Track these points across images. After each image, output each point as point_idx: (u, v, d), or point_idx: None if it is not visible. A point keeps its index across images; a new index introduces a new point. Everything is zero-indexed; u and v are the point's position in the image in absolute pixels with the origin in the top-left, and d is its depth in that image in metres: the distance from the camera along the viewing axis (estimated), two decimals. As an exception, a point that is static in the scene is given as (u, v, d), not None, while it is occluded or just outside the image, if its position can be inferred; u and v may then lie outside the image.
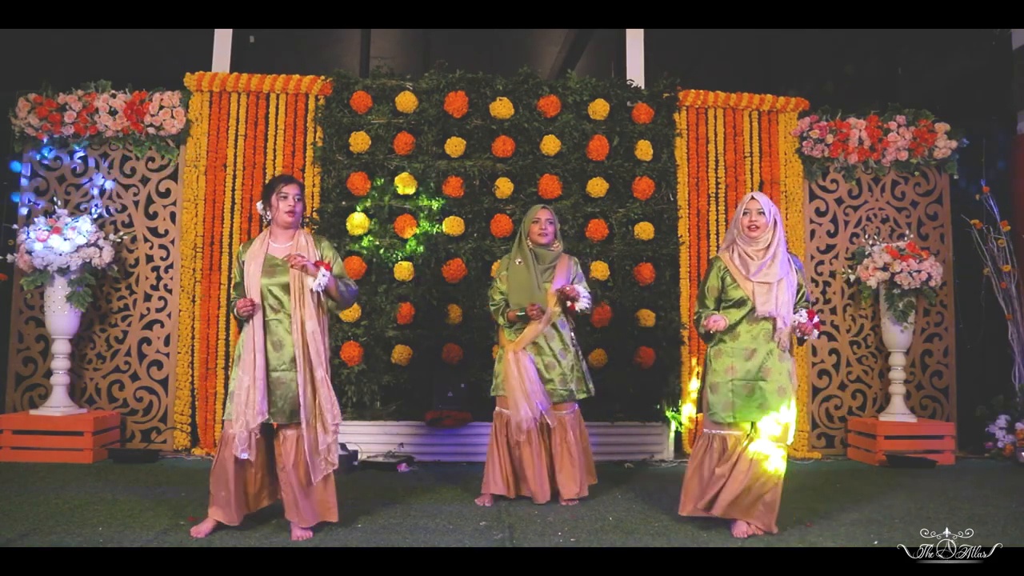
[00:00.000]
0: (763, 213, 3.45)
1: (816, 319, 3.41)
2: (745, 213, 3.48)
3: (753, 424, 3.44)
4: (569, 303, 4.00)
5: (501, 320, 4.12)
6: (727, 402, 3.44)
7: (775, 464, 3.41)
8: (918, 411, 5.80)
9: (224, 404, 3.91)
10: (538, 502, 3.97)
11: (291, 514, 3.32)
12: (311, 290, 3.32)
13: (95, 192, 5.46)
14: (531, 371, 3.98)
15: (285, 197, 3.40)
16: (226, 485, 3.30)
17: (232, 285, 3.51)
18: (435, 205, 5.40)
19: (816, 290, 5.85)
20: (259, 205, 3.50)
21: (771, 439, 3.40)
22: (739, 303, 3.46)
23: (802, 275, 3.56)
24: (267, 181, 3.55)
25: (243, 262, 3.42)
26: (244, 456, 3.26)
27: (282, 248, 3.42)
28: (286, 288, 3.35)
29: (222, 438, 3.35)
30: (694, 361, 5.60)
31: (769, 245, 3.46)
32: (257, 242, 3.46)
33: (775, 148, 5.90)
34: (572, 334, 4.16)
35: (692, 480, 3.55)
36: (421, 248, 5.36)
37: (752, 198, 3.49)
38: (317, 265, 3.32)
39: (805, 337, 3.43)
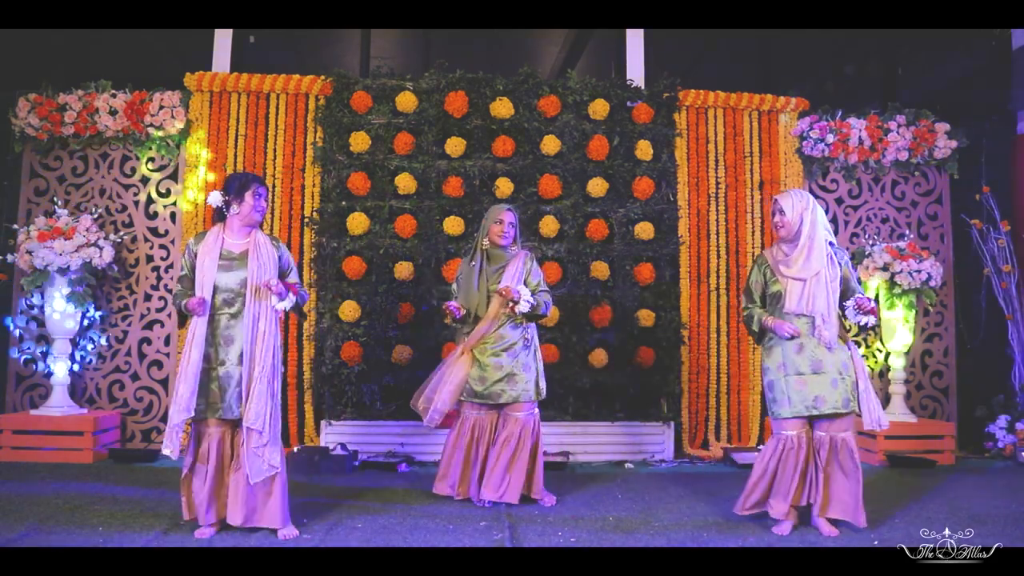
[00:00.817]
0: (784, 212, 3.51)
1: (871, 305, 3.43)
2: (772, 215, 3.59)
3: (810, 419, 3.47)
4: (510, 304, 3.90)
5: (449, 319, 4.05)
6: (785, 398, 3.46)
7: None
8: (918, 411, 5.80)
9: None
10: (457, 498, 3.99)
11: (232, 512, 3.26)
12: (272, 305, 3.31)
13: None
14: (460, 375, 3.93)
15: (260, 196, 3.38)
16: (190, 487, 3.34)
17: (179, 277, 3.44)
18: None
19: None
20: (217, 195, 3.35)
21: (835, 431, 3.45)
22: (776, 298, 3.54)
23: (848, 267, 3.58)
24: (232, 175, 3.46)
25: (194, 254, 3.36)
26: (166, 453, 3.25)
27: (239, 244, 3.37)
28: (243, 283, 3.31)
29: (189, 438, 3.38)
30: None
31: (799, 241, 3.50)
32: (211, 236, 3.38)
33: (775, 148, 5.90)
34: (528, 335, 4.03)
35: (762, 481, 3.54)
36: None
37: (775, 199, 3.58)
38: (288, 287, 3.32)
39: (865, 323, 3.46)
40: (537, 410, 4.05)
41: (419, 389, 4.06)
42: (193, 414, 3.24)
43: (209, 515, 3.30)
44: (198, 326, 3.27)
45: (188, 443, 3.39)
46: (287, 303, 3.32)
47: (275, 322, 3.35)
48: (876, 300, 5.53)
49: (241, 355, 3.28)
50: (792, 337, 3.46)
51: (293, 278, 3.48)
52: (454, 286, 4.20)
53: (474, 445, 4.02)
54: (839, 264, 3.53)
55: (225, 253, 3.35)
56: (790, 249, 3.53)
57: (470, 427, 4.03)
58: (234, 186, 3.38)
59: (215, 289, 3.30)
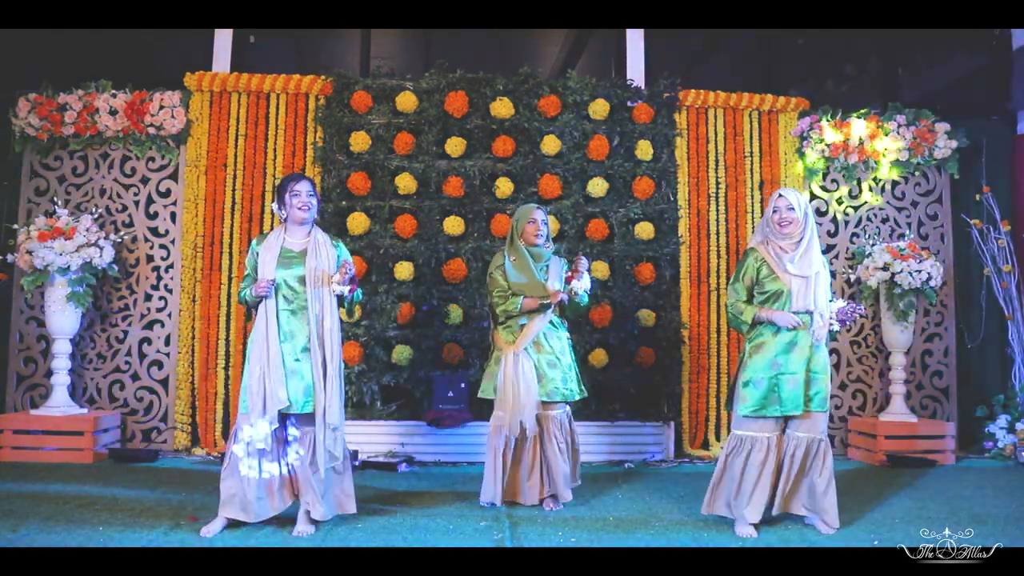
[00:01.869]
0: (793, 209, 3.47)
1: (861, 308, 3.49)
2: (775, 211, 3.51)
3: (787, 418, 3.48)
4: (569, 288, 3.94)
5: (513, 308, 3.91)
6: (765, 397, 3.45)
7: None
8: (918, 411, 5.80)
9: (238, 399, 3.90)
10: (526, 504, 3.92)
11: (305, 499, 3.35)
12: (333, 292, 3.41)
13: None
14: (531, 374, 3.88)
15: (297, 195, 3.46)
16: (239, 483, 3.31)
17: (242, 276, 3.56)
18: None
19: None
20: (274, 206, 3.56)
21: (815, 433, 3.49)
22: (776, 296, 3.48)
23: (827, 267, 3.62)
24: (277, 183, 3.62)
25: (257, 253, 3.46)
26: (261, 448, 3.29)
27: (298, 242, 3.47)
28: (302, 280, 3.40)
29: (233, 435, 3.37)
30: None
31: (801, 239, 3.49)
32: (273, 236, 3.50)
33: (775, 148, 5.90)
34: (568, 334, 4.14)
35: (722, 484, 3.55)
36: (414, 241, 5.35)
37: (780, 195, 3.52)
38: (352, 280, 3.42)
39: (842, 324, 3.48)
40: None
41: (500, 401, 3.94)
42: (287, 404, 3.30)
43: (264, 509, 3.34)
44: (268, 321, 3.35)
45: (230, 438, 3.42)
46: (345, 289, 3.39)
47: (338, 318, 3.47)
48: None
49: (305, 349, 3.35)
50: (795, 328, 3.43)
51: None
52: (498, 278, 4.00)
53: (518, 449, 3.98)
54: (825, 263, 3.58)
55: (284, 251, 3.44)
56: (791, 246, 3.49)
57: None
58: (277, 192, 3.56)
59: (277, 286, 3.39)
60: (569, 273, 3.98)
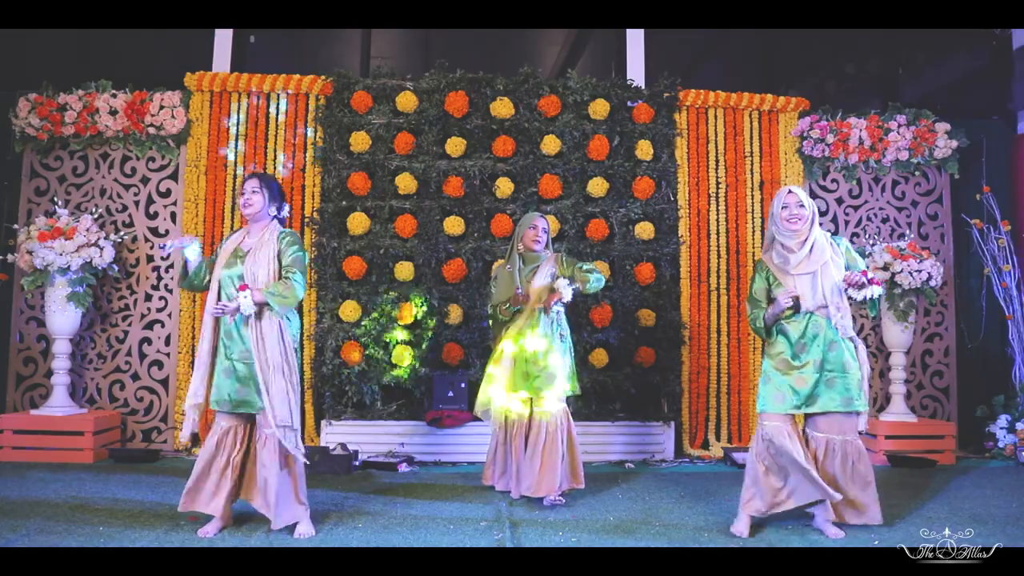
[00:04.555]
0: (803, 206, 3.45)
1: (857, 278, 3.34)
2: (784, 207, 3.48)
3: (807, 415, 3.46)
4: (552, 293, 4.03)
5: (496, 312, 4.23)
6: (782, 395, 3.43)
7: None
8: (918, 411, 5.80)
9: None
10: (513, 496, 4.07)
11: (259, 505, 3.31)
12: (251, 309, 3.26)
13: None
14: (507, 366, 4.08)
15: (242, 193, 3.48)
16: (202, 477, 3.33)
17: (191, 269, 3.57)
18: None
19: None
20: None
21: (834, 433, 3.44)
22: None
23: (851, 253, 3.53)
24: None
25: (224, 244, 3.50)
26: (184, 438, 3.34)
27: (250, 242, 3.44)
28: (242, 279, 3.35)
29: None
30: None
31: (807, 238, 3.46)
32: (237, 233, 3.53)
33: (775, 148, 5.90)
34: (566, 329, 4.18)
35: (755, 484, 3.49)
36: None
37: (790, 191, 3.49)
38: (241, 289, 3.22)
39: (858, 288, 3.36)
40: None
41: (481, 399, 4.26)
42: (201, 400, 3.32)
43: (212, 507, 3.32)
44: (207, 317, 3.35)
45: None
46: (244, 304, 3.20)
47: (276, 319, 3.32)
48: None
49: (247, 350, 3.30)
50: (795, 305, 3.41)
51: (291, 275, 3.35)
52: (492, 284, 4.39)
53: (513, 438, 4.19)
54: (842, 252, 3.50)
55: (237, 250, 3.42)
56: (797, 245, 3.47)
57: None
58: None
59: (222, 283, 3.37)
60: (554, 292, 4.04)
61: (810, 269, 3.43)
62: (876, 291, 3.36)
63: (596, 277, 4.09)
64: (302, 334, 5.45)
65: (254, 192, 3.44)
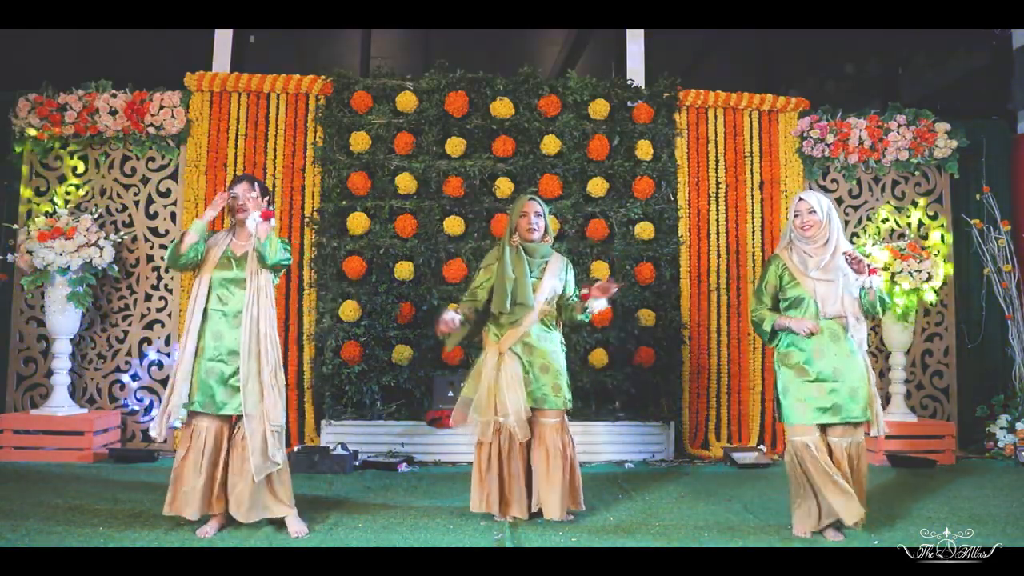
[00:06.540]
0: (814, 212, 3.40)
1: (856, 261, 3.27)
2: (796, 215, 3.43)
3: (823, 427, 3.34)
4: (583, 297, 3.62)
5: (470, 303, 3.67)
6: (802, 406, 3.32)
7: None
8: (918, 411, 5.80)
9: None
10: (519, 516, 3.59)
11: (233, 508, 3.27)
12: (253, 248, 3.35)
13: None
14: (517, 372, 3.55)
15: (235, 196, 3.47)
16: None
17: (193, 243, 3.39)
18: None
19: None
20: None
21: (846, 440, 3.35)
22: (796, 302, 3.41)
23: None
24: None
25: (207, 240, 3.43)
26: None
27: (243, 245, 3.45)
28: (240, 284, 3.35)
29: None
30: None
31: (827, 241, 3.40)
32: (221, 235, 3.52)
33: (775, 148, 5.90)
34: (562, 337, 3.81)
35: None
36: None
37: (800, 199, 3.44)
38: (265, 215, 3.31)
39: (871, 283, 3.29)
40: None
41: (461, 404, 3.65)
42: (185, 400, 3.32)
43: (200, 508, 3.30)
44: (195, 316, 3.35)
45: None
46: (254, 222, 3.29)
47: (274, 323, 3.40)
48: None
49: (233, 352, 3.31)
50: (811, 335, 3.33)
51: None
52: (481, 273, 3.74)
53: (509, 458, 3.62)
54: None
55: (227, 251, 3.43)
56: (817, 250, 3.41)
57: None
58: None
59: (212, 285, 3.38)
60: (587, 292, 3.62)
61: (832, 276, 3.36)
62: (875, 280, 3.31)
63: (586, 315, 3.69)
64: (302, 334, 5.47)
65: (247, 195, 3.46)
